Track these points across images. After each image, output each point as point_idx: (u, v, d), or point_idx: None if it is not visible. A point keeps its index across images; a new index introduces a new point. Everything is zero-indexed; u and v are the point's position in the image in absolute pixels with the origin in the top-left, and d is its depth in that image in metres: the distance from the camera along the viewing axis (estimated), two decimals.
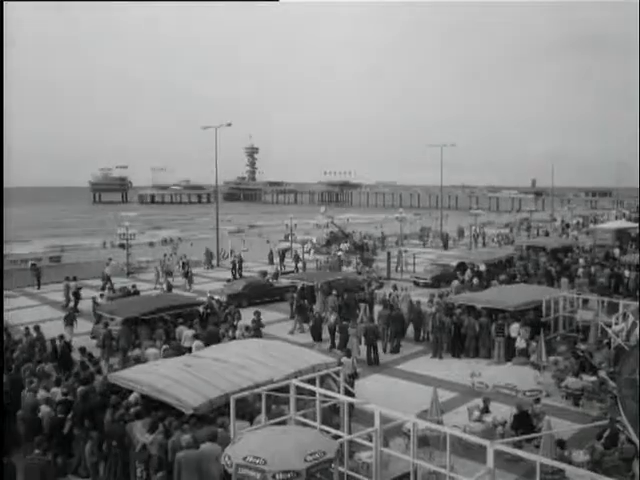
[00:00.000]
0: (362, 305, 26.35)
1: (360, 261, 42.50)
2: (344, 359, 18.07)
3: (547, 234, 62.33)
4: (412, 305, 25.36)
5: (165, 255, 44.84)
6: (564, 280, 30.73)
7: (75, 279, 32.45)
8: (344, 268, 40.90)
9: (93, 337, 22.55)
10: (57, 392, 15.19)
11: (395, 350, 23.18)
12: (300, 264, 43.20)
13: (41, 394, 15.01)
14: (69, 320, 24.57)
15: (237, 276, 39.98)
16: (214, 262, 47.06)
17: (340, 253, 45.87)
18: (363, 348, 22.18)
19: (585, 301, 24.42)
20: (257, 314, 22.97)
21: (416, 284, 35.95)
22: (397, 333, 23.54)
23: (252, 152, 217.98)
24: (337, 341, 22.95)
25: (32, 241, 71.91)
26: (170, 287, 33.25)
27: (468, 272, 34.11)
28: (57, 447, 13.51)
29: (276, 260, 45.15)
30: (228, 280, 37.94)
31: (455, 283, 31.32)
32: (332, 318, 23.64)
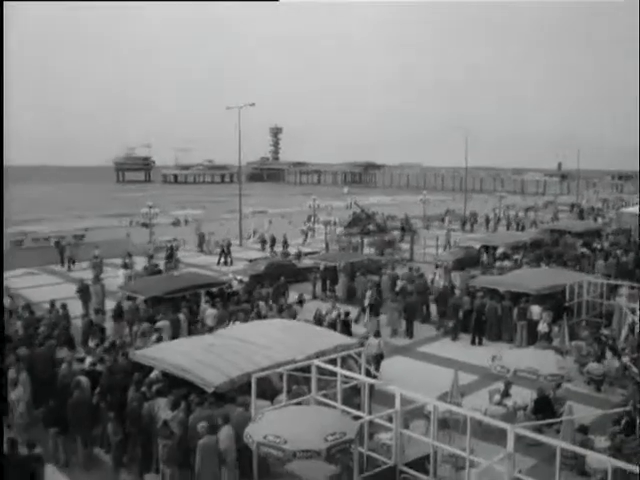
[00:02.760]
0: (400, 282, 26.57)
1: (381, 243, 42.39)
2: (371, 339, 18.18)
3: (582, 217, 61.60)
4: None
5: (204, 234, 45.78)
6: (601, 262, 30.65)
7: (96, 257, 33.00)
8: (366, 250, 40.67)
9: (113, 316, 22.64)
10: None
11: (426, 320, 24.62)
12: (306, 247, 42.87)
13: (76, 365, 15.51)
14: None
15: (226, 261, 39.05)
16: (205, 246, 45.50)
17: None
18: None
19: (616, 286, 24.08)
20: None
21: (438, 267, 35.73)
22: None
23: (276, 132, 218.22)
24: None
25: (56, 220, 72.40)
26: (153, 271, 31.68)
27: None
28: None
29: (267, 245, 44.49)
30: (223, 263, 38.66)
31: (506, 264, 31.43)
32: (334, 314, 21.63)
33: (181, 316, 20.57)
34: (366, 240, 42.57)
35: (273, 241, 44.41)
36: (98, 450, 13.88)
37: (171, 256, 36.94)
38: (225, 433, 11.76)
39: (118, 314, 21.62)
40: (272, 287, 25.88)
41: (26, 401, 14.19)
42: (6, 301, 23.52)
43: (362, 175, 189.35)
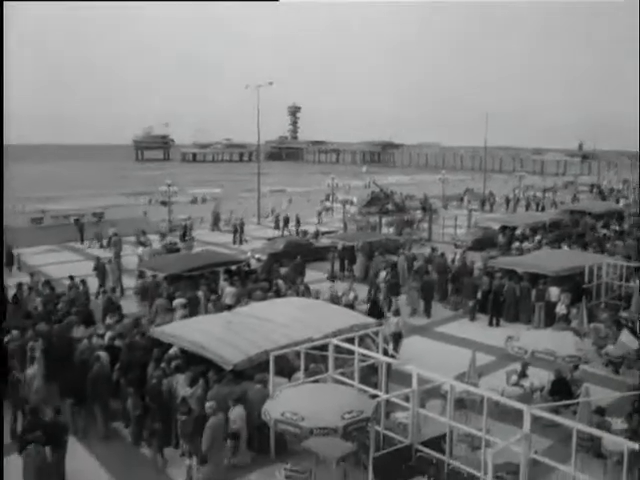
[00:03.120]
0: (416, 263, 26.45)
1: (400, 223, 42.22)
2: (391, 318, 18.23)
3: (603, 198, 61.14)
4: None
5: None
6: (620, 244, 30.38)
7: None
8: (385, 230, 40.54)
9: (136, 292, 22.84)
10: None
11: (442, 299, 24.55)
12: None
13: (95, 340, 15.68)
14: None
15: (241, 240, 39.02)
16: (221, 225, 45.58)
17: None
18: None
19: (636, 269, 23.86)
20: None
21: (457, 247, 35.64)
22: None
23: (294, 111, 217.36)
24: None
25: (75, 198, 72.75)
26: (172, 249, 32.12)
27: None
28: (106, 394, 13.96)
29: (281, 225, 44.07)
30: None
31: (526, 245, 31.12)
32: (351, 295, 21.46)
33: (200, 294, 20.73)
34: (384, 219, 42.42)
35: (286, 220, 44.31)
36: (118, 424, 14.10)
37: (185, 234, 37.15)
38: (237, 413, 11.88)
39: (144, 291, 21.87)
40: (289, 266, 25.93)
41: (41, 377, 14.39)
42: (27, 278, 23.92)
43: (381, 154, 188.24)
